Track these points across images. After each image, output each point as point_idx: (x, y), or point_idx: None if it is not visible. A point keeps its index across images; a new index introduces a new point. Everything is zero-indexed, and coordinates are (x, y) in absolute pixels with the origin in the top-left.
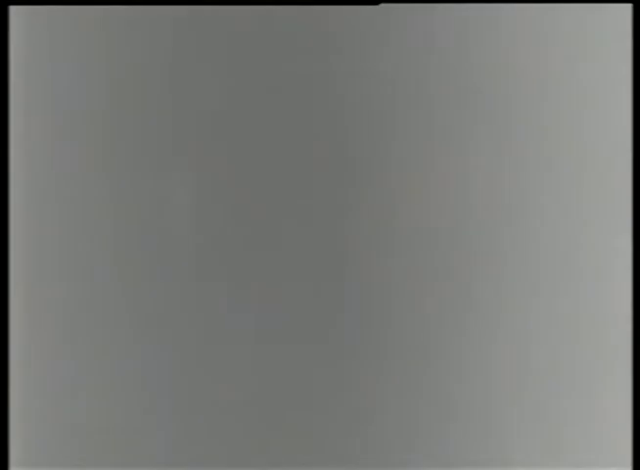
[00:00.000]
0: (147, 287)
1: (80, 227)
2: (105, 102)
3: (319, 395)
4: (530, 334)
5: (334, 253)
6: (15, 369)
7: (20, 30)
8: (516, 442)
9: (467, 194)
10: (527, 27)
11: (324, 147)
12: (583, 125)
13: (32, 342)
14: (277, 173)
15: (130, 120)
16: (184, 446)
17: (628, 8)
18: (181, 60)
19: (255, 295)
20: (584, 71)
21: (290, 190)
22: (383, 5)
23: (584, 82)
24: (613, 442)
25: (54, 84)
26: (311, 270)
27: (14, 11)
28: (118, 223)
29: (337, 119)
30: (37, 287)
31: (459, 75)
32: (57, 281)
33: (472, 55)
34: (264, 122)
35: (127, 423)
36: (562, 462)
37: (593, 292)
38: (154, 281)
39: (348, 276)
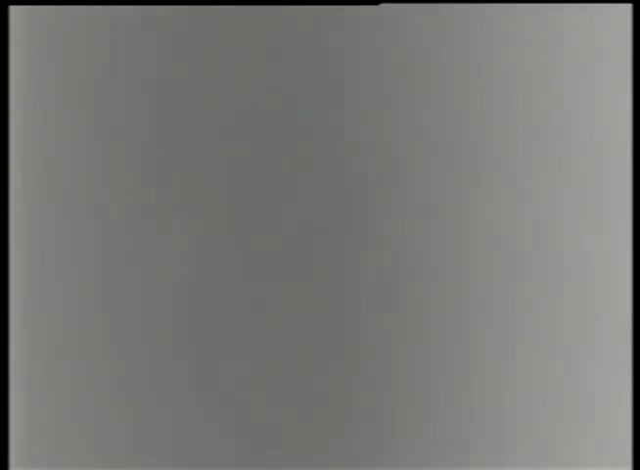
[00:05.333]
0: (147, 287)
1: (80, 227)
2: (104, 101)
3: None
4: (530, 335)
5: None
6: (15, 369)
7: (20, 30)
8: (516, 441)
9: (468, 194)
10: (528, 27)
11: (323, 150)
12: (583, 125)
13: (32, 342)
14: (276, 174)
15: (130, 119)
16: (184, 446)
17: (628, 8)
18: (181, 59)
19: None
20: (584, 71)
21: (290, 191)
22: (383, 5)
23: (584, 82)
24: (613, 442)
25: (54, 84)
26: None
27: (14, 11)
28: (119, 223)
29: (336, 119)
30: (37, 287)
31: (459, 75)
32: (57, 282)
33: (472, 54)
34: (263, 123)
35: (127, 423)
36: (562, 462)
37: (593, 292)
38: (154, 281)
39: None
